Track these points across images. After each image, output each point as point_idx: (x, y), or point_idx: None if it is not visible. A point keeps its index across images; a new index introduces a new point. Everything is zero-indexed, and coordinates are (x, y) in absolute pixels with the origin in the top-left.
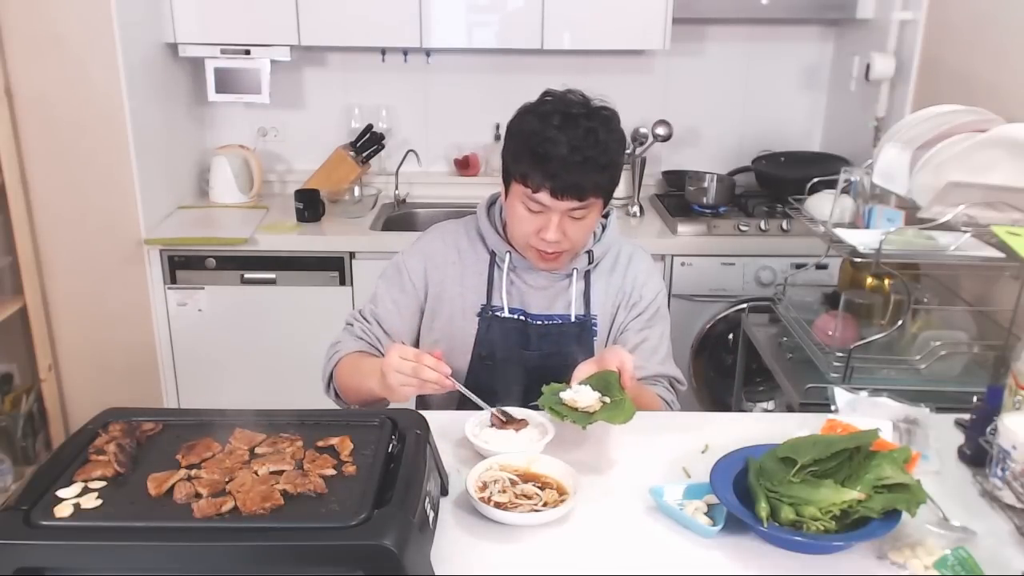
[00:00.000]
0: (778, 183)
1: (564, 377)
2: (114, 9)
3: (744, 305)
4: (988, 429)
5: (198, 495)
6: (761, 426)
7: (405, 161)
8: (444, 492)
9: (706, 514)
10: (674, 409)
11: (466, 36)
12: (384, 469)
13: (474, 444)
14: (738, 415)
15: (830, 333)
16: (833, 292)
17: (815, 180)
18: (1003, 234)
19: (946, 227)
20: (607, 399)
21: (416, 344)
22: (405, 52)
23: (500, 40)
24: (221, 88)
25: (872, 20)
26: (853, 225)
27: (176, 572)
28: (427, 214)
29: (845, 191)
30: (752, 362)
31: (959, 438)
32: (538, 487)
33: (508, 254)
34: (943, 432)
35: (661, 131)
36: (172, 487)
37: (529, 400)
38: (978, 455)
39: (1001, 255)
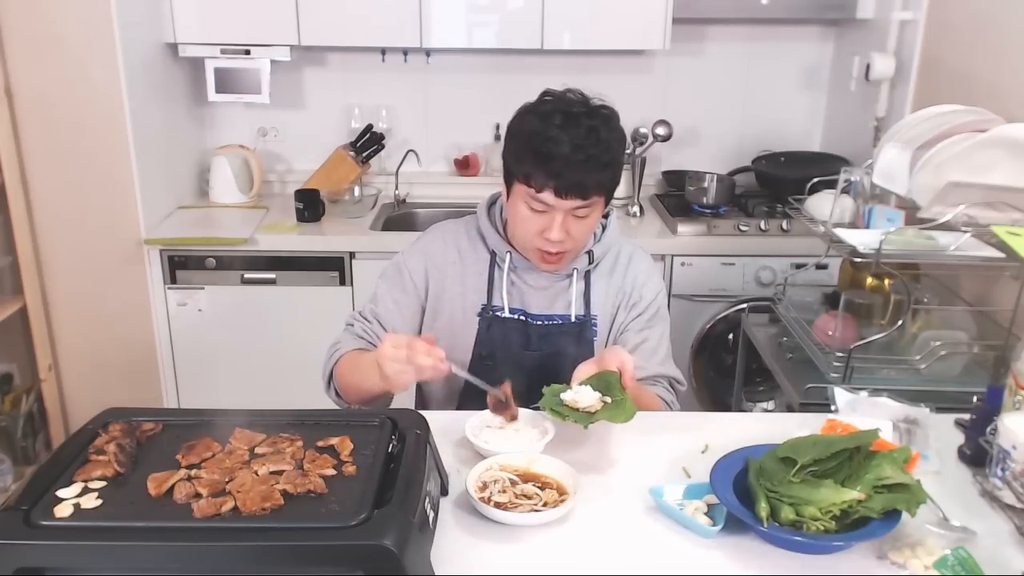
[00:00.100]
0: (778, 183)
1: (564, 377)
2: (114, 9)
3: (744, 305)
4: (988, 429)
5: (198, 495)
6: (761, 426)
7: (405, 161)
8: (444, 492)
9: (706, 514)
10: (674, 409)
11: (466, 36)
12: (384, 469)
13: (474, 444)
14: (738, 415)
15: (830, 333)
16: (833, 292)
17: (815, 180)
18: (1003, 234)
19: (946, 227)
20: (608, 399)
21: None
22: (405, 52)
23: (500, 40)
24: (221, 88)
25: (872, 20)
26: (853, 225)
27: (176, 572)
28: (427, 214)
29: (845, 191)
30: (752, 362)
31: (959, 438)
32: (538, 487)
33: (508, 254)
34: (943, 432)
35: (661, 131)
36: (172, 487)
37: (530, 400)
38: (978, 455)
39: (1001, 255)
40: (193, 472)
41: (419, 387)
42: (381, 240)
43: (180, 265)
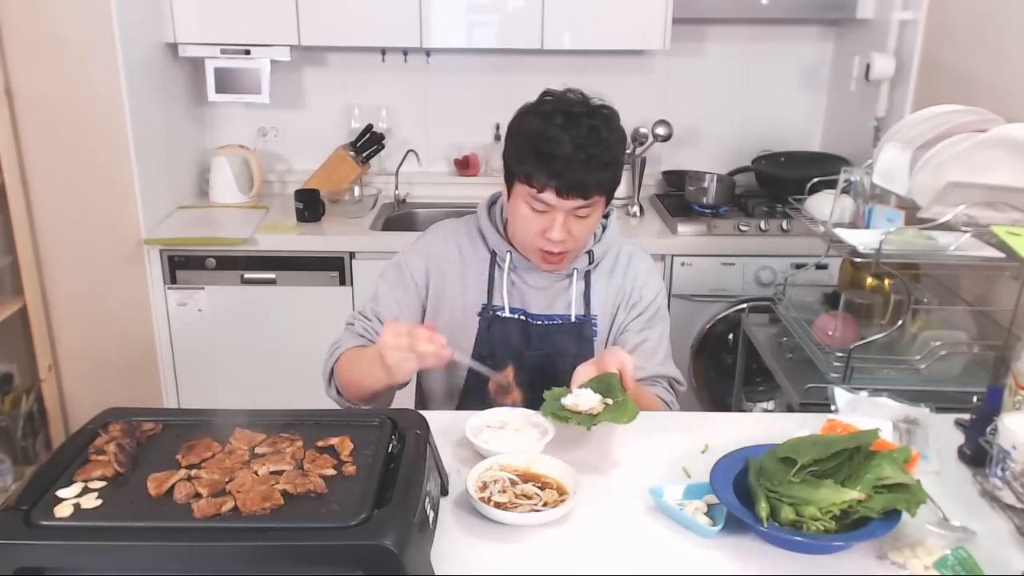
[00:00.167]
0: (778, 183)
1: (564, 377)
2: (114, 9)
3: (744, 305)
4: (988, 429)
5: (198, 495)
6: (761, 426)
7: (405, 161)
8: (444, 492)
9: (706, 514)
10: (674, 409)
11: (466, 36)
12: (384, 469)
13: (474, 444)
14: (738, 415)
15: (830, 333)
16: (833, 292)
17: (815, 180)
18: (1003, 234)
19: (946, 227)
20: (609, 401)
21: None
22: (405, 52)
23: (500, 40)
24: (221, 88)
25: (872, 20)
26: (853, 225)
27: (176, 572)
28: (427, 214)
29: (845, 191)
30: (752, 362)
31: (959, 438)
32: (538, 487)
33: (509, 254)
34: (943, 432)
35: (661, 131)
36: (172, 487)
37: (529, 400)
38: (978, 455)
39: (1001, 255)
40: (193, 472)
41: (419, 386)
42: (381, 240)
43: (180, 265)
